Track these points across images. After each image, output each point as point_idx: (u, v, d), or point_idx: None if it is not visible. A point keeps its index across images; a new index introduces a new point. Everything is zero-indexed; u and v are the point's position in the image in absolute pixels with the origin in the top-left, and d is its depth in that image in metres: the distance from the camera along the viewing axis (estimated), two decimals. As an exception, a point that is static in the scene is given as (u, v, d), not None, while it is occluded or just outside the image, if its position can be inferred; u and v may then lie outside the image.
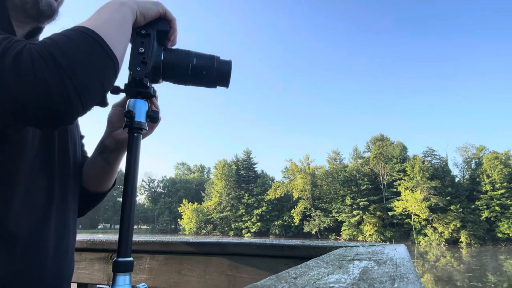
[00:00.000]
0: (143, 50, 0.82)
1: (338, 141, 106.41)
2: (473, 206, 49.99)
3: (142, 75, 0.81)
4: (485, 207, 49.20)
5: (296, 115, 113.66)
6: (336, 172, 59.71)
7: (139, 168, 0.83)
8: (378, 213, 53.77)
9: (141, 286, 0.76)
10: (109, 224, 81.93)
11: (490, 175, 50.54)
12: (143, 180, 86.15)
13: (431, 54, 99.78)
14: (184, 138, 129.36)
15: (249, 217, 62.26)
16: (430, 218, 49.73)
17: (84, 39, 0.64)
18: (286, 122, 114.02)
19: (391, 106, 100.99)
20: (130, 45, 0.83)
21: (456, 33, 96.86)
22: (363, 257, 0.84)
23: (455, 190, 51.99)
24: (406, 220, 52.21)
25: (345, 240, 50.57)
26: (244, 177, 68.18)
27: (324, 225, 55.80)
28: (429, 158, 57.46)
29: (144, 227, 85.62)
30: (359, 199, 54.67)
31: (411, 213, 50.67)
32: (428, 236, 49.64)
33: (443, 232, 48.36)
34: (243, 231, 62.15)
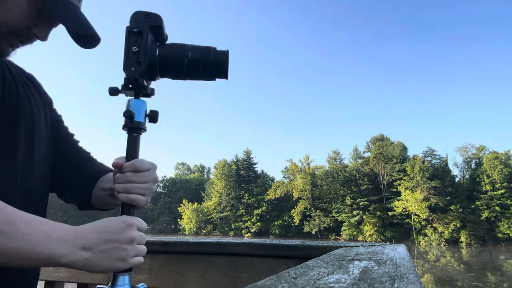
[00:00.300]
0: (136, 49, 0.80)
1: (338, 141, 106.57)
2: (473, 206, 50.00)
3: (138, 75, 0.80)
4: (485, 207, 49.22)
5: (296, 115, 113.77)
6: (336, 172, 59.71)
7: None
8: (378, 213, 53.78)
9: (140, 286, 0.75)
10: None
11: (490, 175, 50.55)
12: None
13: (431, 55, 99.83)
14: (184, 138, 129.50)
15: (249, 217, 62.27)
16: (430, 218, 49.74)
17: None
18: (286, 122, 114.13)
19: (391, 106, 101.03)
20: (123, 45, 0.81)
21: (456, 36, 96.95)
22: (363, 257, 0.84)
23: (455, 190, 52.01)
24: (406, 220, 52.22)
25: (345, 240, 50.58)
26: (244, 177, 68.18)
27: (324, 225, 55.80)
28: (429, 158, 57.48)
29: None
30: (359, 199, 54.68)
31: (411, 213, 50.68)
32: (428, 236, 49.65)
33: (443, 232, 48.37)
34: (243, 231, 62.16)
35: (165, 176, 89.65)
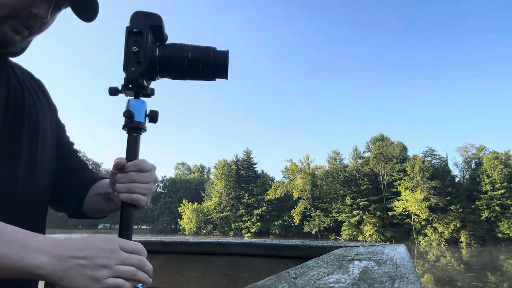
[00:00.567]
0: (136, 49, 0.80)
1: (338, 141, 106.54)
2: (473, 206, 49.99)
3: (137, 75, 0.80)
4: (485, 207, 49.22)
5: (296, 115, 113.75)
6: (336, 172, 59.70)
7: None
8: (378, 213, 53.78)
9: (140, 286, 0.75)
10: (109, 224, 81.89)
11: (490, 175, 50.55)
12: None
13: (431, 54, 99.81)
14: (184, 138, 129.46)
15: (249, 217, 62.26)
16: (430, 218, 49.73)
17: None
18: (286, 122, 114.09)
19: (391, 106, 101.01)
20: (123, 46, 0.81)
21: (456, 33, 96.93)
22: (363, 257, 0.84)
23: (455, 190, 52.00)
24: (406, 220, 52.21)
25: (345, 240, 50.57)
26: (244, 177, 68.17)
27: (324, 225, 55.79)
28: (429, 158, 57.46)
29: (144, 227, 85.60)
30: (359, 199, 54.67)
31: (411, 213, 50.67)
32: (428, 236, 49.64)
33: (443, 232, 48.36)
34: (243, 231, 62.15)
35: (165, 176, 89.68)
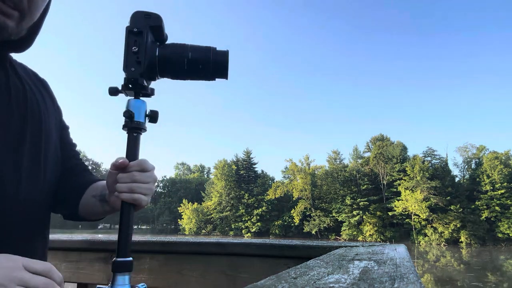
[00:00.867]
0: (136, 49, 0.80)
1: (338, 141, 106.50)
2: (473, 206, 50.01)
3: (137, 75, 0.80)
4: (485, 207, 49.22)
5: (296, 115, 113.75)
6: (336, 172, 59.70)
7: None
8: (378, 213, 53.79)
9: (140, 286, 0.75)
10: (109, 224, 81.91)
11: (490, 175, 50.55)
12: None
13: (431, 54, 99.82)
14: (184, 138, 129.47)
15: (249, 217, 62.27)
16: (430, 218, 49.74)
17: None
18: (286, 122, 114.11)
19: (391, 106, 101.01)
20: (123, 45, 0.81)
21: (456, 32, 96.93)
22: (363, 257, 0.84)
23: (455, 190, 52.00)
24: (406, 220, 52.22)
25: (345, 240, 50.58)
26: (244, 177, 68.18)
27: (324, 225, 55.79)
28: (429, 158, 57.47)
29: (144, 227, 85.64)
30: (359, 199, 54.68)
31: (411, 213, 50.68)
32: (428, 236, 49.64)
33: (443, 232, 48.37)
34: (243, 231, 62.16)
35: (165, 176, 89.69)
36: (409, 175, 52.55)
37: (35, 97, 0.95)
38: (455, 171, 58.51)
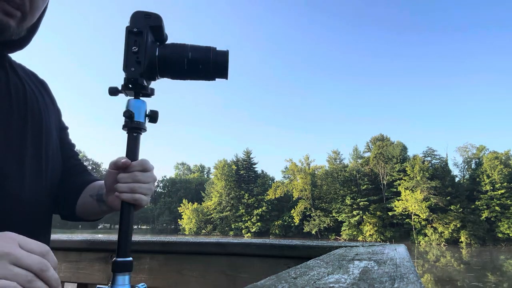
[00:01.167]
0: (136, 49, 0.80)
1: (338, 141, 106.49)
2: (473, 206, 50.01)
3: (137, 75, 0.80)
4: (485, 207, 49.22)
5: (296, 115, 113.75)
6: (336, 172, 59.71)
7: None
8: (378, 213, 53.79)
9: (140, 286, 0.75)
10: (109, 224, 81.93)
11: (490, 175, 50.56)
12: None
13: (431, 53, 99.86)
14: (184, 138, 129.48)
15: (249, 217, 62.27)
16: (430, 218, 49.74)
17: None
18: (286, 122, 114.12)
19: (391, 106, 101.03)
20: (123, 45, 0.81)
21: (456, 31, 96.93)
22: (363, 257, 0.84)
23: (455, 190, 52.00)
24: (406, 220, 52.23)
25: (345, 240, 50.58)
26: (244, 177, 68.18)
27: (324, 225, 55.80)
28: (429, 158, 57.47)
29: (144, 227, 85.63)
30: (359, 199, 54.69)
31: (411, 213, 50.68)
32: (428, 236, 49.65)
33: (443, 232, 48.37)
34: (243, 231, 62.16)
35: (165, 176, 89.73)
36: (409, 175, 52.56)
37: (35, 97, 0.95)
38: (455, 171, 58.64)
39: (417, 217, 50.34)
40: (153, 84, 0.87)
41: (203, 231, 66.73)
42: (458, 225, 48.02)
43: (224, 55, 0.84)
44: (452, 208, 49.32)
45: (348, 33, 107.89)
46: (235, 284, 1.33)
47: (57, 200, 1.03)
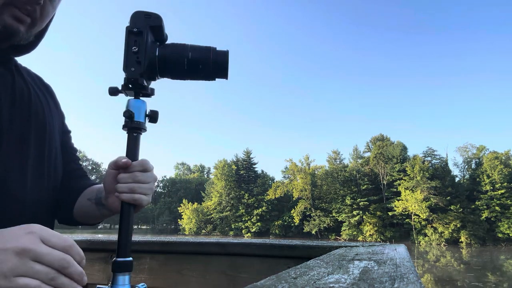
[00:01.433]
0: (136, 49, 0.80)
1: (338, 141, 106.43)
2: (473, 206, 50.00)
3: (137, 75, 0.80)
4: (485, 207, 49.21)
5: (296, 115, 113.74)
6: (336, 172, 59.70)
7: None
8: (378, 213, 53.78)
9: (140, 286, 0.75)
10: (109, 224, 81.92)
11: (490, 175, 50.55)
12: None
13: (431, 53, 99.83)
14: (184, 138, 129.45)
15: (249, 217, 62.26)
16: (430, 218, 49.73)
17: None
18: (286, 122, 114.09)
19: (391, 106, 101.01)
20: (123, 45, 0.81)
21: (457, 31, 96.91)
22: (363, 257, 0.84)
23: (455, 190, 51.99)
24: (406, 220, 52.22)
25: (345, 240, 50.58)
26: (244, 177, 68.16)
27: (324, 225, 55.79)
28: (429, 158, 57.45)
29: (144, 227, 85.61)
30: (359, 199, 54.68)
31: (411, 213, 50.67)
32: (428, 236, 49.64)
33: (443, 232, 48.36)
34: (243, 231, 62.15)
35: (165, 176, 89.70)
36: (409, 175, 52.54)
37: (39, 100, 0.96)
38: (455, 171, 58.63)
39: (417, 217, 50.33)
40: (153, 84, 0.86)
41: (203, 231, 66.71)
42: (458, 225, 48.01)
43: (224, 55, 0.84)
44: (452, 208, 49.31)
45: (348, 33, 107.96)
46: (235, 284, 1.33)
47: (58, 204, 1.03)
